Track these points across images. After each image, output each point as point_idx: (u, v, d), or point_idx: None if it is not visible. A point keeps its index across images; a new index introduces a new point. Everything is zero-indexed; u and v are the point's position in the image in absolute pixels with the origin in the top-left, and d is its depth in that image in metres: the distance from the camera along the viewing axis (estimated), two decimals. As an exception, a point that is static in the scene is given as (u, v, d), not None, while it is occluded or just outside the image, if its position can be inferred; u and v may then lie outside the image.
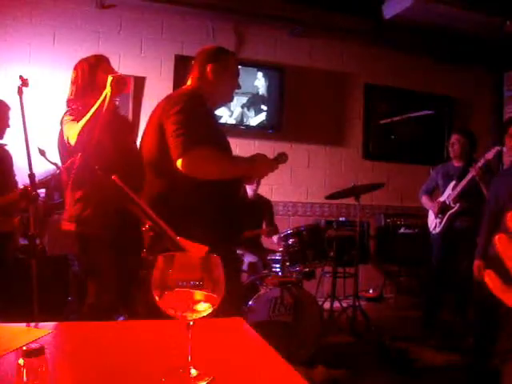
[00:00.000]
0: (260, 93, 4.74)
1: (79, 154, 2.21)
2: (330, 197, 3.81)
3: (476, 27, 4.67)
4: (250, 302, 2.80)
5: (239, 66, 2.30)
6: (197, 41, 4.45)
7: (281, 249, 3.39)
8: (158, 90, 4.23)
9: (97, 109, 2.14)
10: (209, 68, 2.05)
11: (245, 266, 3.49)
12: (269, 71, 4.76)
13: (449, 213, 3.67)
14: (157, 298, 0.74)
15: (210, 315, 0.77)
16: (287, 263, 3.27)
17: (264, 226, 4.02)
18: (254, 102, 4.71)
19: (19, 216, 3.01)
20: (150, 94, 4.31)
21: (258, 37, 4.78)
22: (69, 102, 2.35)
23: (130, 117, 4.20)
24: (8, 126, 2.90)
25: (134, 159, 2.37)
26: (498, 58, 5.35)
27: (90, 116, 2.13)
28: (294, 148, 4.83)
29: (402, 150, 5.32)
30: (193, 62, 2.14)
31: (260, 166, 2.01)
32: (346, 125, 5.16)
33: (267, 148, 4.28)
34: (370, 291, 4.99)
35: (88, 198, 2.22)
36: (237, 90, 2.20)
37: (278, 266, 3.42)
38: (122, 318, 2.55)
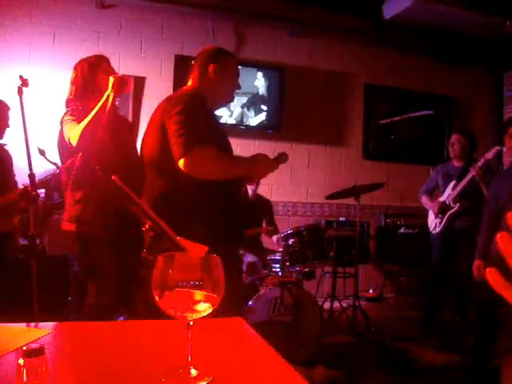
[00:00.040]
0: (260, 93, 4.74)
1: (79, 154, 2.21)
2: (330, 197, 3.81)
3: (476, 27, 4.67)
4: (250, 302, 2.80)
5: (239, 66, 2.30)
6: (197, 41, 4.45)
7: (281, 249, 3.39)
8: (158, 90, 4.24)
9: (99, 109, 2.15)
10: (209, 68, 2.06)
11: (244, 266, 3.49)
12: (269, 71, 4.76)
13: (449, 213, 3.67)
14: (157, 298, 0.74)
15: (209, 315, 0.77)
16: (287, 263, 3.27)
17: (264, 225, 4.02)
18: (253, 102, 4.71)
19: (19, 216, 3.01)
20: (150, 94, 4.32)
21: (258, 37, 4.78)
22: (68, 101, 2.35)
23: (130, 117, 4.20)
24: (8, 126, 2.90)
25: (134, 159, 2.38)
26: (497, 58, 5.35)
27: (92, 117, 2.13)
28: (294, 148, 4.83)
29: (401, 150, 5.32)
30: (193, 62, 2.14)
31: (261, 166, 2.02)
32: (346, 125, 5.16)
33: (267, 148, 4.27)
34: (370, 291, 4.99)
35: (88, 198, 2.22)
36: (237, 90, 2.20)
37: (277, 265, 3.42)
38: (122, 318, 2.55)
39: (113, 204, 2.08)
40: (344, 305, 3.82)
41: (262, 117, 4.76)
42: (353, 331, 3.52)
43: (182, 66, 4.35)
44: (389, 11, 4.60)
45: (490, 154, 3.37)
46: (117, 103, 2.31)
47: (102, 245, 2.22)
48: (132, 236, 1.90)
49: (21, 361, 0.63)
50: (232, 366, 0.87)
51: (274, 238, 3.78)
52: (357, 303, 3.66)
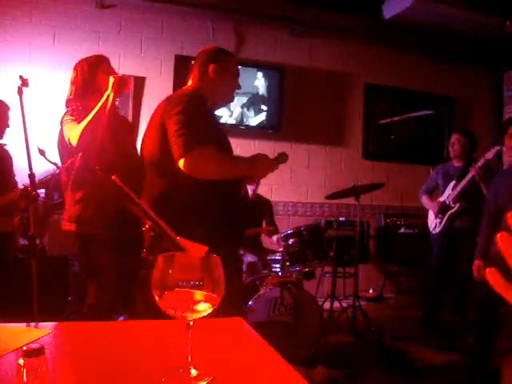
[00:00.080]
0: (260, 93, 4.74)
1: (79, 154, 2.21)
2: (330, 197, 3.81)
3: (476, 27, 4.67)
4: (250, 302, 2.80)
5: (239, 66, 2.30)
6: (197, 41, 4.45)
7: (281, 249, 3.39)
8: (158, 90, 4.24)
9: (99, 109, 2.15)
10: (209, 68, 2.06)
11: (244, 266, 3.49)
12: (269, 71, 4.76)
13: (449, 213, 3.67)
14: (157, 298, 0.74)
15: (210, 315, 0.77)
16: (287, 263, 3.27)
17: (264, 225, 4.02)
18: (253, 102, 4.71)
19: (19, 216, 3.01)
20: (150, 93, 4.32)
21: (258, 37, 4.78)
22: (68, 101, 2.35)
23: (130, 117, 4.20)
24: (8, 126, 2.90)
25: (134, 159, 2.38)
26: (497, 58, 5.34)
27: (92, 117, 2.14)
28: (294, 148, 4.83)
29: (401, 150, 5.32)
30: (193, 62, 2.15)
31: (261, 166, 2.02)
32: (346, 125, 5.16)
33: (267, 148, 4.27)
34: (370, 291, 4.99)
35: (88, 198, 2.22)
36: (237, 90, 2.21)
37: (277, 265, 3.42)
38: (122, 318, 2.55)
39: (113, 204, 2.08)
40: (344, 305, 3.82)
41: (262, 117, 4.76)
42: (353, 331, 3.52)
43: (182, 65, 4.35)
44: (389, 11, 4.60)
45: (489, 154, 3.37)
46: (117, 103, 2.31)
47: (101, 245, 2.22)
48: (132, 236, 1.90)
49: (21, 361, 0.63)
50: (232, 365, 0.87)
51: (274, 238, 3.78)
52: (357, 303, 3.65)
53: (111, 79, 2.18)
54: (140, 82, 4.37)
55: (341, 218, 4.64)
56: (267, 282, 2.99)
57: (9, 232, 2.93)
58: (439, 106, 5.48)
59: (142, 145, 2.08)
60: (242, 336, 1.07)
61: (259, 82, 4.73)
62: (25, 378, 0.63)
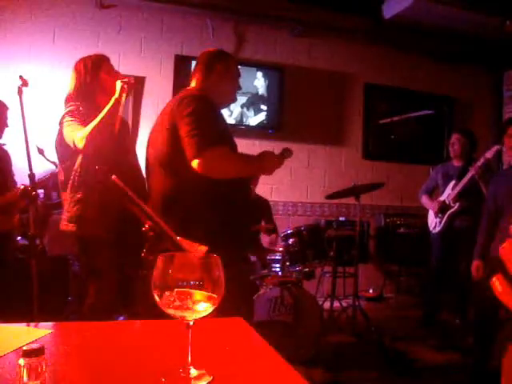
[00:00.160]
0: (260, 93, 4.73)
1: (79, 154, 2.20)
2: (330, 197, 3.81)
3: (476, 27, 4.67)
4: (250, 302, 2.80)
5: (239, 66, 2.31)
6: (197, 41, 4.45)
7: (281, 249, 3.39)
8: (157, 89, 4.24)
9: (108, 113, 2.13)
10: (213, 69, 2.08)
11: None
12: (268, 71, 4.76)
13: (449, 212, 3.67)
14: (157, 298, 0.74)
15: (209, 315, 0.77)
16: (287, 263, 3.27)
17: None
18: (253, 102, 4.71)
19: (18, 215, 3.00)
20: (150, 93, 4.31)
21: (257, 36, 4.78)
22: (68, 100, 2.33)
23: (130, 116, 4.20)
24: (6, 126, 2.90)
25: (134, 160, 2.37)
26: (497, 58, 5.35)
27: (101, 119, 2.11)
28: (294, 148, 4.68)
29: (401, 150, 5.32)
30: (194, 64, 2.15)
31: (269, 163, 2.05)
32: (346, 125, 5.16)
33: (267, 148, 4.21)
34: (370, 291, 4.99)
35: (88, 198, 2.22)
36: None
37: (277, 265, 3.42)
38: (122, 318, 2.55)
39: (113, 204, 2.07)
40: (344, 305, 3.82)
41: (262, 117, 4.76)
42: (353, 331, 3.52)
43: (181, 65, 4.35)
44: (389, 11, 4.60)
45: (489, 154, 3.37)
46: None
47: (101, 245, 2.22)
48: (132, 236, 1.90)
49: (21, 361, 0.63)
50: (232, 366, 0.87)
51: (274, 237, 3.78)
52: (357, 303, 3.65)
53: (118, 83, 2.16)
54: (140, 82, 4.36)
55: (341, 218, 4.64)
56: (267, 281, 3.00)
57: (8, 230, 2.93)
58: (439, 106, 5.48)
59: (148, 144, 2.07)
60: (242, 336, 1.07)
61: (259, 82, 4.72)
62: (25, 378, 0.63)
